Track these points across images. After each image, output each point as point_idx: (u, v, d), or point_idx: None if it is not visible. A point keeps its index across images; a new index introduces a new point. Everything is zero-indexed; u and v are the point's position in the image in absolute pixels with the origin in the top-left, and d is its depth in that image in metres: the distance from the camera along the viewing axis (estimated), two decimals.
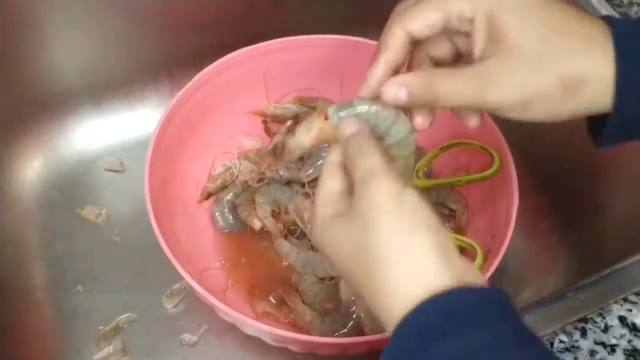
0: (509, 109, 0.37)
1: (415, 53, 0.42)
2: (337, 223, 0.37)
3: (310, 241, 0.64)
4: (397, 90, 0.38)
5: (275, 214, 0.66)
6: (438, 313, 0.30)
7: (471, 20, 0.38)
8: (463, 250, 0.63)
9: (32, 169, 0.73)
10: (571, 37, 0.36)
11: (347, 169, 0.39)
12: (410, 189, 0.35)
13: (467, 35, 0.39)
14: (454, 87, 0.37)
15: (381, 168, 0.36)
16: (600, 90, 0.36)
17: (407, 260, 0.32)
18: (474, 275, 0.33)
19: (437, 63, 0.43)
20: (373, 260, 0.33)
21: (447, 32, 0.40)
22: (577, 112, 0.37)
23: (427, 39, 0.40)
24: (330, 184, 0.39)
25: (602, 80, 0.36)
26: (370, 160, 0.36)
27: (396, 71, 0.41)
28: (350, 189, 0.38)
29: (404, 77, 0.38)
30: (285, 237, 0.66)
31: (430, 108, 0.41)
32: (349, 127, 0.39)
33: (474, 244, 0.58)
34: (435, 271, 0.32)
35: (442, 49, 0.42)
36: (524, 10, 0.36)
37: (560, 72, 0.36)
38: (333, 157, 0.40)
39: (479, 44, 0.38)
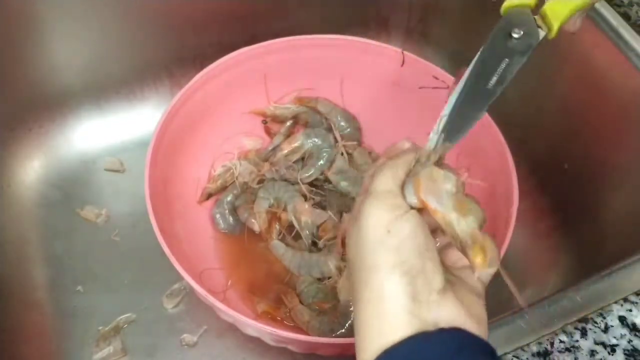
0: None
1: None
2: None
3: (306, 242, 0.64)
4: None
5: (272, 214, 0.66)
6: None
7: None
8: None
9: (32, 169, 0.73)
10: None
11: None
12: (405, 218, 0.33)
13: None
14: None
15: (379, 189, 0.34)
16: None
17: (376, 305, 0.32)
18: (447, 316, 0.32)
19: None
20: (356, 292, 0.34)
21: None
22: None
23: None
24: None
25: None
26: (379, 180, 0.35)
27: None
28: None
29: None
30: (283, 237, 0.66)
31: None
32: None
33: None
34: (399, 322, 0.31)
35: None
36: None
37: None
38: None
39: None
